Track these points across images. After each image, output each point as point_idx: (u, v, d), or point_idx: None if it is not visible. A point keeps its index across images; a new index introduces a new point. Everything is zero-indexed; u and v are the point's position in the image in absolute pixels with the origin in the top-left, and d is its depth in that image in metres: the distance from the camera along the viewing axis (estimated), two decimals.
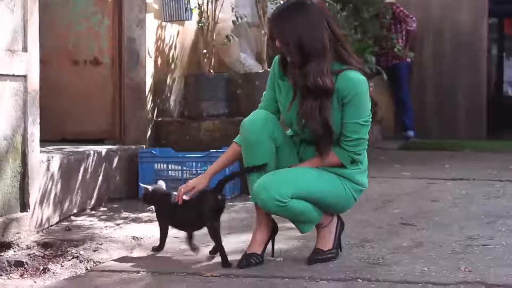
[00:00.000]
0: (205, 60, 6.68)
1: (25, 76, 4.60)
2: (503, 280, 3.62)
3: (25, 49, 4.61)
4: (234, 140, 4.20)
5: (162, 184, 4.72)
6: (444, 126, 11.81)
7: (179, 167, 6.07)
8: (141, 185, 4.63)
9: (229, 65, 7.21)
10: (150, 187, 4.42)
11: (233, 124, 6.40)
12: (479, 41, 12.04)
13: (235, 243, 4.52)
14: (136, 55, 6.42)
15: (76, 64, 6.48)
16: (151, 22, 6.46)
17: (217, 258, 4.11)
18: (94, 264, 4.17)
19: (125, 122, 6.48)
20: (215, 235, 4.07)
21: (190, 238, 4.32)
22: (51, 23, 6.19)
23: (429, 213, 5.59)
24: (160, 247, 4.38)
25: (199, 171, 5.99)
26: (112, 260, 4.23)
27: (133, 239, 4.74)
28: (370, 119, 4.01)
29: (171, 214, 4.31)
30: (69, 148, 5.75)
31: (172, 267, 4.02)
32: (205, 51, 6.68)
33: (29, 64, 4.64)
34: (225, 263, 4.00)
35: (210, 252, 4.24)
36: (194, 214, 4.17)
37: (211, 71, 6.67)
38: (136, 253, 4.39)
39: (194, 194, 4.10)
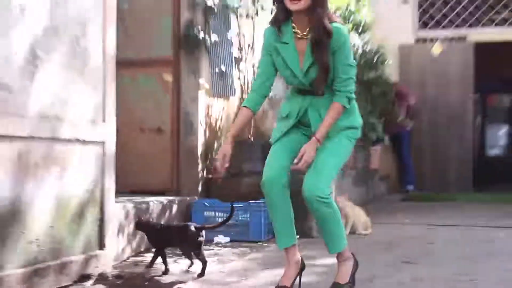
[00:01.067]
0: (246, 128, 6.71)
1: (103, 142, 4.66)
2: None
3: (104, 120, 4.68)
4: (242, 105, 4.13)
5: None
6: (438, 181, 11.74)
7: (224, 215, 6.07)
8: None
9: (264, 132, 7.24)
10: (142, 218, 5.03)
11: None
12: (466, 114, 12.01)
13: (269, 276, 4.52)
14: (190, 125, 6.49)
15: (143, 132, 6.55)
16: (202, 98, 6.53)
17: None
18: None
19: (181, 178, 6.52)
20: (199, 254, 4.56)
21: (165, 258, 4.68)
22: (123, 98, 6.27)
23: (427, 253, 5.56)
24: (166, 271, 4.63)
25: (240, 218, 6.05)
26: None
27: (188, 273, 4.70)
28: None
29: (158, 238, 4.71)
30: (137, 198, 5.79)
31: None
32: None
33: (107, 132, 4.70)
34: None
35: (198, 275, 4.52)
36: (176, 241, 4.72)
37: (251, 137, 6.69)
38: (190, 285, 4.36)
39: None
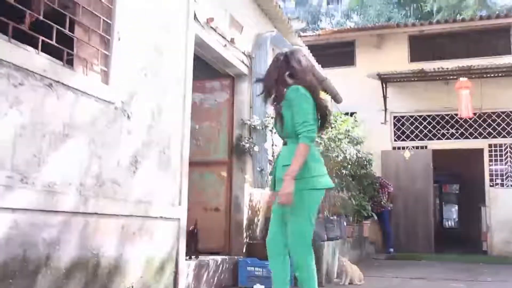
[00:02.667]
0: None
1: (179, 219, 4.64)
2: None
3: (180, 204, 4.67)
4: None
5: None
6: (410, 245, 11.39)
7: (261, 269, 5.94)
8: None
9: None
10: None
11: None
12: (429, 197, 11.76)
13: None
14: (239, 206, 6.41)
15: (205, 210, 6.46)
16: (247, 188, 6.47)
17: None
18: None
19: (231, 243, 6.39)
20: None
21: None
22: (194, 187, 6.26)
23: None
24: None
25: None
26: None
27: None
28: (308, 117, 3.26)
29: None
30: (201, 257, 5.69)
31: None
32: None
33: (181, 212, 4.68)
34: None
35: None
36: None
37: None
38: None
39: None
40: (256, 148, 6.39)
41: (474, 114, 11.16)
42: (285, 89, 3.36)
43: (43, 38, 3.15)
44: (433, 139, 11.89)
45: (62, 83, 3.25)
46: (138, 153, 4.05)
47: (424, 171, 11.71)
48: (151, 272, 4.18)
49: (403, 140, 12.10)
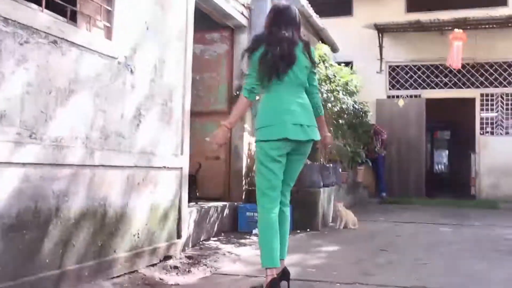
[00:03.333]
0: None
1: (181, 168, 4.68)
2: (438, 285, 3.52)
3: (182, 153, 4.70)
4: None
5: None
6: (402, 190, 11.56)
7: None
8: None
9: None
10: None
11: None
12: (421, 144, 11.85)
13: (293, 259, 4.45)
14: (238, 154, 6.47)
15: (207, 159, 6.51)
16: (246, 136, 6.51)
17: None
18: (215, 269, 4.15)
19: (231, 190, 6.48)
20: None
21: None
22: (195, 137, 6.28)
23: (396, 243, 5.45)
24: None
25: None
26: (225, 268, 4.19)
27: (236, 255, 4.67)
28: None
29: None
30: (202, 204, 5.79)
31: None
32: None
33: (184, 161, 4.71)
34: None
35: None
36: None
37: None
38: (237, 264, 4.33)
39: None
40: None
41: (467, 64, 11.11)
42: None
43: None
44: (426, 88, 11.87)
45: (66, 40, 3.21)
46: (141, 106, 4.04)
47: (417, 119, 11.75)
48: (155, 220, 4.26)
49: (398, 89, 12.07)
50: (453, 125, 18.15)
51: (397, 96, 11.89)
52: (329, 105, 6.61)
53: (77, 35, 3.31)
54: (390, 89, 12.10)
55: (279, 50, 3.21)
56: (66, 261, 3.20)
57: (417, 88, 11.92)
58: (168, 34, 4.46)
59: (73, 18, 3.38)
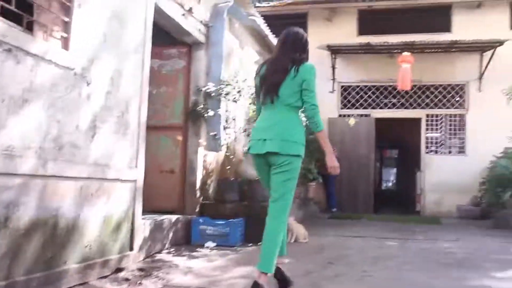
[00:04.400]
0: (229, 171, 6.70)
1: (136, 180, 4.62)
2: None
3: (136, 166, 4.64)
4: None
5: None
6: (351, 206, 11.73)
7: (212, 228, 6.01)
8: None
9: (241, 173, 7.21)
10: None
11: (242, 206, 6.44)
12: (370, 162, 12.08)
13: (243, 271, 4.44)
14: (193, 168, 6.42)
15: (161, 172, 6.45)
16: (201, 151, 6.47)
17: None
18: (166, 281, 4.09)
19: (185, 203, 6.41)
20: None
21: None
22: (150, 151, 6.22)
23: (343, 256, 5.50)
24: None
25: (223, 230, 5.96)
26: (176, 280, 4.13)
27: (187, 268, 4.60)
28: None
29: None
30: (156, 216, 5.68)
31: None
32: (228, 167, 6.70)
33: (138, 174, 4.66)
34: None
35: None
36: None
37: (231, 178, 6.66)
38: (189, 276, 4.28)
39: None
40: (210, 113, 6.37)
41: (415, 86, 11.46)
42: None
43: (3, 4, 3.02)
44: (376, 108, 12.15)
45: (22, 49, 3.14)
46: (97, 118, 3.98)
47: (367, 137, 11.98)
48: (108, 231, 4.18)
49: (349, 108, 12.31)
50: (401, 144, 18.61)
51: (348, 115, 12.11)
52: None
53: (33, 44, 3.24)
54: (341, 108, 12.33)
55: (265, 81, 3.46)
56: (14, 272, 3.10)
57: (367, 108, 12.20)
58: (125, 47, 4.43)
59: (30, 27, 3.31)
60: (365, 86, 12.21)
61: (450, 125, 11.79)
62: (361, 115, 12.15)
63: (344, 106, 12.34)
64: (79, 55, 3.73)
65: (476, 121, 11.41)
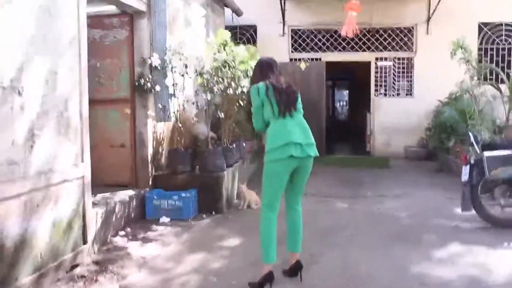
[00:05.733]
0: (179, 141, 6.62)
1: (83, 176, 4.52)
2: None
3: (82, 161, 4.52)
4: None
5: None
6: None
7: (166, 201, 6.03)
8: None
9: (196, 135, 7.13)
10: None
11: (194, 176, 6.46)
12: (321, 105, 12.04)
13: (196, 261, 4.45)
14: (143, 141, 6.31)
15: (112, 147, 6.34)
16: (150, 122, 6.34)
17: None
18: (122, 278, 4.11)
19: (138, 176, 6.35)
20: None
21: None
22: (99, 125, 6.09)
23: None
24: None
25: (176, 204, 6.00)
26: (131, 278, 4.13)
27: (142, 258, 4.62)
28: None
29: None
30: (108, 196, 5.65)
31: None
32: (178, 137, 6.61)
33: (85, 169, 4.54)
34: None
35: None
36: None
37: (182, 148, 6.59)
38: (143, 272, 4.27)
39: None
40: (157, 88, 6.19)
41: (364, 29, 11.36)
42: None
43: None
44: (326, 52, 12.05)
45: None
46: (35, 126, 3.81)
47: (318, 81, 11.92)
48: (59, 234, 4.13)
49: (300, 52, 12.16)
50: (351, 81, 18.73)
51: (299, 59, 11.99)
52: (230, 91, 6.57)
53: None
54: (292, 51, 12.17)
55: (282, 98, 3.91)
56: None
57: (318, 51, 12.09)
58: (59, 42, 4.17)
59: None
60: (316, 30, 12.03)
61: (399, 68, 11.87)
62: (312, 59, 12.05)
63: (295, 49, 12.19)
64: (5, 68, 3.48)
65: (423, 64, 11.51)
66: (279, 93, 3.86)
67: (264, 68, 4.02)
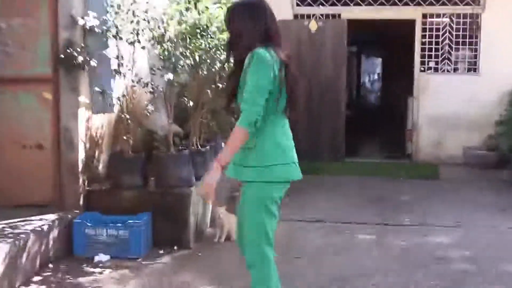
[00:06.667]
0: (126, 142, 6.68)
1: None
2: None
3: None
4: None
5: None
6: (313, 150, 11.85)
7: (105, 230, 6.11)
8: None
9: (151, 132, 7.19)
10: None
11: (147, 194, 6.56)
12: (340, 85, 12.16)
13: None
14: (71, 140, 6.34)
15: (24, 148, 6.41)
16: (82, 114, 6.40)
17: None
18: None
19: (63, 192, 6.42)
20: None
21: None
22: (4, 116, 6.15)
23: (291, 276, 5.53)
24: None
25: (120, 234, 6.08)
26: None
27: None
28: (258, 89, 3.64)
29: None
30: (16, 222, 5.73)
31: None
32: (125, 136, 6.67)
33: None
34: None
35: None
36: None
37: (129, 152, 6.66)
38: None
39: None
40: (93, 62, 6.25)
41: None
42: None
43: None
44: (349, 5, 12.15)
45: None
46: None
47: (336, 49, 12.04)
48: None
49: (309, 4, 12.25)
50: (385, 48, 18.84)
51: (308, 16, 12.08)
52: (204, 68, 6.66)
53: None
54: (297, 4, 12.26)
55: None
56: None
57: (335, 4, 12.18)
58: None
59: None
60: None
61: (458, 30, 12.00)
62: (327, 16, 12.15)
63: (302, 1, 12.27)
64: None
65: (496, 24, 11.64)
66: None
67: (264, 20, 3.83)
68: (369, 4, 12.11)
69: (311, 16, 12.09)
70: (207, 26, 6.52)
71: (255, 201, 3.78)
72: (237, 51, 3.90)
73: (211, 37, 6.58)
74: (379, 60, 24.69)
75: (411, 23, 12.16)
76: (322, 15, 12.15)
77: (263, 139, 3.75)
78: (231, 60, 4.11)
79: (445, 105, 11.81)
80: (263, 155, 3.74)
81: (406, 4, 12.01)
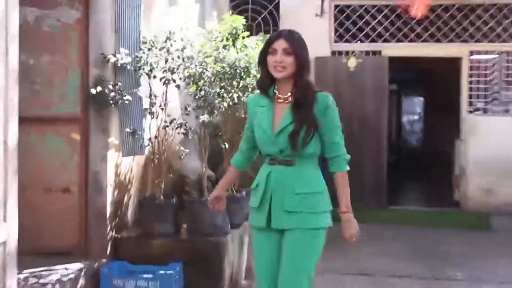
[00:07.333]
0: (157, 186, 6.69)
1: (4, 242, 4.57)
2: None
3: (5, 219, 4.58)
4: (231, 163, 4.42)
5: None
6: (354, 194, 11.78)
7: (133, 283, 6.07)
8: None
9: (183, 176, 7.20)
10: None
11: (180, 242, 6.53)
12: (381, 122, 12.13)
13: None
14: (99, 184, 6.37)
15: (49, 191, 6.40)
16: (112, 156, 6.43)
17: None
18: None
19: (89, 239, 6.42)
20: None
21: None
22: (30, 157, 6.18)
23: None
24: None
25: (150, 285, 6.03)
26: None
27: None
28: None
29: None
30: (40, 271, 5.69)
31: None
32: (156, 181, 6.69)
33: (9, 232, 4.61)
34: None
35: None
36: None
37: (161, 197, 6.67)
38: None
39: None
40: (126, 99, 6.29)
41: (452, 6, 11.49)
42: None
43: None
44: (390, 41, 12.18)
45: None
46: None
47: (377, 86, 12.03)
48: None
49: (347, 41, 12.30)
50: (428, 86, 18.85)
51: (347, 53, 12.11)
52: (241, 108, 6.71)
53: None
54: (336, 41, 12.32)
55: None
56: None
57: (375, 41, 12.21)
58: None
59: None
60: (373, 7, 12.17)
61: (508, 68, 11.95)
62: (367, 53, 12.17)
63: (340, 38, 12.34)
64: None
65: None
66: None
67: None
68: (411, 40, 12.13)
69: (350, 53, 12.08)
70: (247, 67, 6.54)
71: (319, 251, 3.92)
72: (301, 86, 3.90)
73: (250, 76, 6.60)
74: (419, 99, 24.62)
75: (455, 60, 12.13)
76: (361, 51, 12.15)
77: (324, 183, 3.95)
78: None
79: (495, 149, 11.67)
80: (328, 199, 3.98)
81: (451, 41, 12.01)
